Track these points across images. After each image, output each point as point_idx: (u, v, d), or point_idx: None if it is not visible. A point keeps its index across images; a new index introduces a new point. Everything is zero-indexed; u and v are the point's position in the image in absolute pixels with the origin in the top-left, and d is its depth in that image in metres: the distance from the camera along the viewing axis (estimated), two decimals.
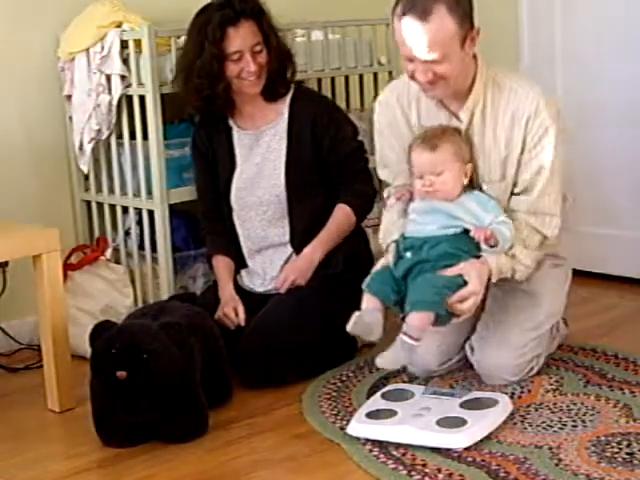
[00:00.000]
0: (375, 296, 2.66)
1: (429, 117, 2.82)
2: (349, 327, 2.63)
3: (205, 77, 3.07)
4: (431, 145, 2.66)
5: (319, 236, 3.12)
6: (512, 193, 2.80)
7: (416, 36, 2.58)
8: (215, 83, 3.07)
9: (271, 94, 3.16)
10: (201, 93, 3.10)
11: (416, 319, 2.58)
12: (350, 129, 3.24)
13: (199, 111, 3.22)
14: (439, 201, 2.68)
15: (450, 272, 2.64)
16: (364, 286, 2.70)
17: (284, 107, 3.18)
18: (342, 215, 3.15)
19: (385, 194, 2.99)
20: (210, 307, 3.09)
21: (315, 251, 3.12)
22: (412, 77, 2.67)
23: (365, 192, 3.20)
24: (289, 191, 3.14)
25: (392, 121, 2.89)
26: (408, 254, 2.67)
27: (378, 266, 2.77)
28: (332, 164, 3.17)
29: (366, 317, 2.62)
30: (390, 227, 2.86)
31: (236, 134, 3.22)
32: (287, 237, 3.18)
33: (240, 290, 3.20)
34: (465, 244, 2.66)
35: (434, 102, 2.80)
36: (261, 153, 3.19)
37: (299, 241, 3.16)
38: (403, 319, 2.61)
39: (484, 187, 2.78)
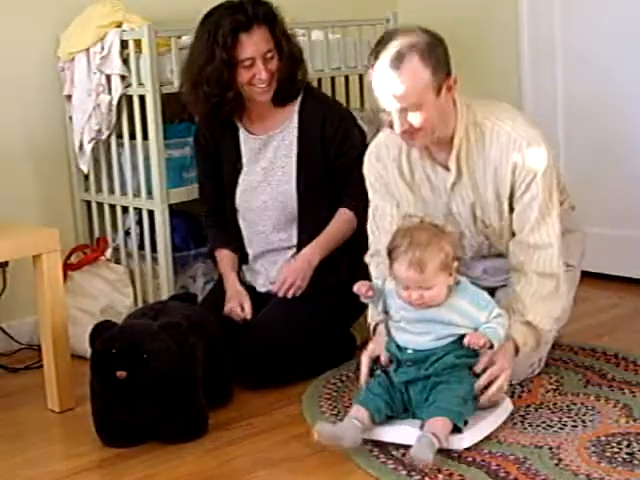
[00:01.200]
0: (366, 409, 2.51)
1: (417, 168, 2.76)
2: (317, 428, 2.44)
3: (215, 84, 3.00)
4: (417, 262, 2.46)
5: (319, 239, 3.09)
6: (513, 234, 2.76)
7: (389, 85, 2.52)
8: (225, 90, 3.01)
9: (281, 99, 3.11)
10: (210, 100, 3.04)
11: (441, 424, 2.43)
12: (358, 134, 3.18)
13: (206, 116, 3.16)
14: (429, 308, 2.53)
15: (479, 367, 2.57)
16: (356, 397, 2.61)
17: (293, 111, 3.13)
18: (344, 219, 3.12)
19: (367, 258, 2.89)
20: (218, 306, 3.09)
21: (314, 253, 3.08)
22: (390, 127, 2.61)
23: (368, 197, 3.10)
24: (300, 197, 3.11)
25: (383, 174, 2.80)
26: (409, 363, 2.55)
27: (366, 358, 2.66)
28: (339, 169, 3.13)
29: (338, 429, 2.46)
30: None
31: (243, 136, 3.18)
32: (293, 241, 3.15)
33: (241, 284, 3.19)
34: (468, 349, 2.53)
35: (419, 155, 2.73)
36: (269, 158, 3.15)
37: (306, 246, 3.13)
38: (421, 427, 2.46)
39: (486, 230, 2.78)
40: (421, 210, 2.77)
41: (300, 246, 3.14)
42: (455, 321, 2.53)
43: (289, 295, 3.05)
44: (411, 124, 2.54)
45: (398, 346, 2.58)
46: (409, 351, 2.56)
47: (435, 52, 2.54)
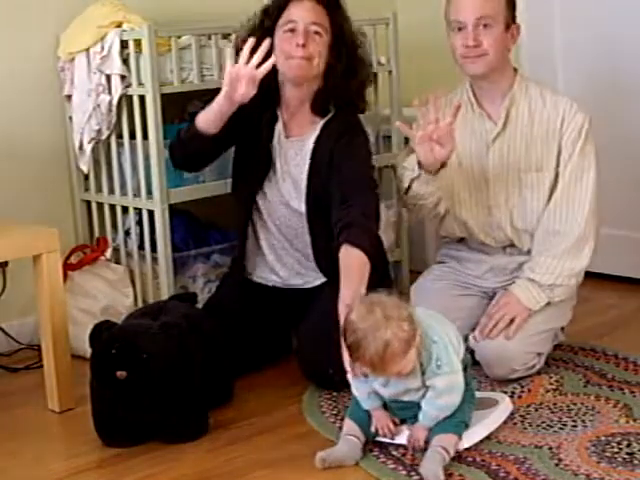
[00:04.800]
0: (356, 424, 2.52)
1: (464, 123, 2.95)
2: (320, 456, 2.44)
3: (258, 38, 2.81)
4: (379, 366, 2.37)
5: (342, 284, 2.70)
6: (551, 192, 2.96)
7: None
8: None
9: (322, 106, 2.98)
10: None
11: (449, 438, 2.43)
12: (367, 158, 3.00)
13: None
14: (399, 386, 2.47)
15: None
16: (347, 413, 2.58)
17: (319, 126, 3.00)
18: (358, 262, 2.73)
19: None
20: (221, 308, 3.07)
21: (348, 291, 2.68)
22: (459, 49, 2.89)
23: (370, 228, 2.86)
24: (309, 212, 3.00)
25: None
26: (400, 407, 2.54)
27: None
28: (340, 184, 2.89)
29: (338, 452, 2.47)
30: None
31: (277, 132, 3.04)
32: (309, 251, 3.06)
33: (253, 285, 3.16)
34: None
35: (472, 106, 2.99)
36: (282, 166, 3.04)
37: (324, 260, 3.01)
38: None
39: (521, 176, 2.97)
40: (454, 164, 2.95)
41: (317, 256, 3.03)
42: (419, 385, 2.47)
43: None
44: (481, 42, 2.85)
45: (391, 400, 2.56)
46: (400, 403, 2.53)
47: None
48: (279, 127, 3.05)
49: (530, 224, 3.00)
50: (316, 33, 2.90)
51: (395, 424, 2.53)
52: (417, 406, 2.49)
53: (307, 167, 3.00)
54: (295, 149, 3.03)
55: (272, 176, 3.08)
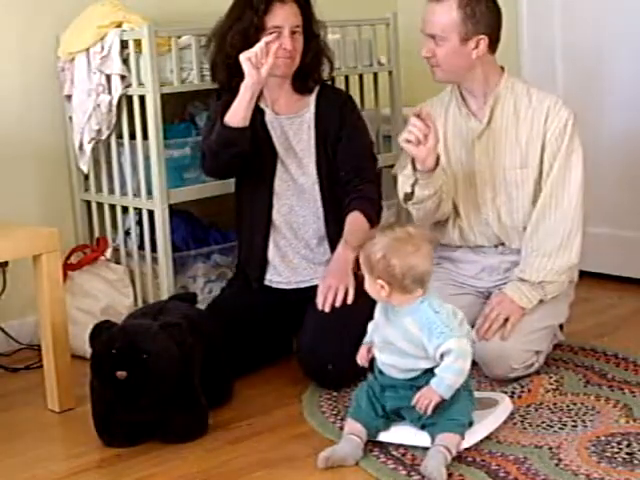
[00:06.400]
0: (358, 424, 2.52)
1: (452, 121, 3.03)
2: (322, 455, 2.45)
3: (238, 41, 3.03)
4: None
5: (345, 237, 2.99)
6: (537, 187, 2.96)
7: (428, 13, 2.94)
8: (246, 50, 2.95)
9: (302, 85, 3.16)
10: (230, 60, 3.04)
11: (452, 437, 2.43)
12: (366, 129, 3.25)
13: (224, 86, 3.15)
14: (392, 329, 2.51)
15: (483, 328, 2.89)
16: (348, 413, 2.59)
17: (310, 100, 3.17)
18: (360, 225, 3.01)
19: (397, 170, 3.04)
20: (224, 311, 3.08)
21: (347, 249, 2.96)
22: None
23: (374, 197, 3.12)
24: (321, 182, 3.13)
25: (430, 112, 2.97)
26: (391, 389, 2.54)
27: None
28: (342, 155, 3.12)
29: (340, 451, 2.47)
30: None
31: (270, 118, 3.16)
32: (322, 231, 3.14)
33: (267, 289, 3.18)
34: None
35: (458, 106, 3.03)
36: (288, 143, 3.15)
37: (334, 231, 3.08)
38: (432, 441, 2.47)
39: (505, 174, 2.98)
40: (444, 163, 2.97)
41: (328, 226, 3.13)
42: (405, 349, 2.48)
43: (338, 300, 2.88)
44: (435, 53, 2.93)
45: (380, 370, 2.56)
46: (388, 377, 2.54)
47: (476, 7, 2.90)
48: (268, 113, 3.15)
49: (517, 221, 3.01)
50: (297, 34, 3.10)
51: (369, 352, 2.59)
52: (409, 397, 2.48)
53: (313, 141, 3.14)
54: (294, 128, 3.16)
55: (286, 180, 3.16)
